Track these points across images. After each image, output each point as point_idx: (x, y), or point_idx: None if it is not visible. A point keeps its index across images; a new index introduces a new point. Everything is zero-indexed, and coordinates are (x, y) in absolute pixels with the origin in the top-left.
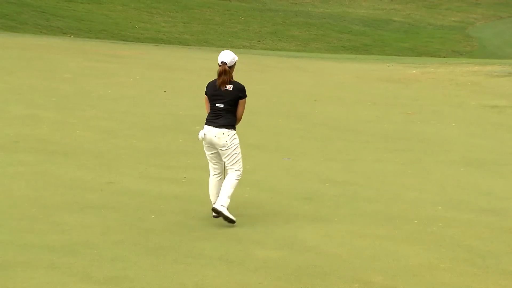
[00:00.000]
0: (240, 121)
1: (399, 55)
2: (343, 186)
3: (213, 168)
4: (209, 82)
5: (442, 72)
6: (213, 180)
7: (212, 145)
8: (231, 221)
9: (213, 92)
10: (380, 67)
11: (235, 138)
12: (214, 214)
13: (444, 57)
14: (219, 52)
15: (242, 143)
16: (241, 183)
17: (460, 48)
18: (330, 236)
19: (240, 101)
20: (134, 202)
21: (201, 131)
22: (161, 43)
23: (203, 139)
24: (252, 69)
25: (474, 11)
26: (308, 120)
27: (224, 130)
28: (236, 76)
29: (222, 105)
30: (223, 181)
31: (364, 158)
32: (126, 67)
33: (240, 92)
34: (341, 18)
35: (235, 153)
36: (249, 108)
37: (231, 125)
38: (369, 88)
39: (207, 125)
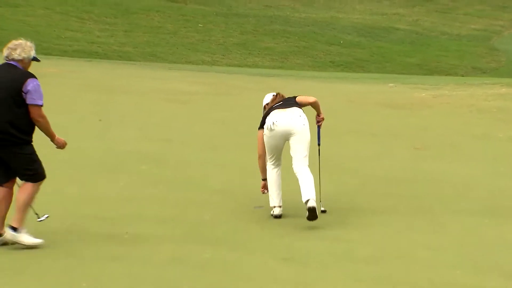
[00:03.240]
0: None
1: (404, 73)
2: (333, 242)
3: (275, 159)
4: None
5: (459, 95)
6: (275, 174)
7: (283, 135)
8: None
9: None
10: (380, 89)
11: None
12: (310, 214)
13: (462, 76)
14: (171, 69)
15: (201, 186)
16: (200, 240)
17: (482, 65)
18: None
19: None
20: (60, 266)
21: (269, 119)
22: (95, 58)
23: (272, 129)
24: (214, 91)
25: (500, 17)
26: (288, 156)
27: (297, 110)
28: (194, 100)
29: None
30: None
31: (360, 206)
32: (50, 89)
33: None
34: (329, 25)
35: (309, 139)
36: (210, 142)
37: (300, 106)
38: (366, 115)
39: (275, 109)
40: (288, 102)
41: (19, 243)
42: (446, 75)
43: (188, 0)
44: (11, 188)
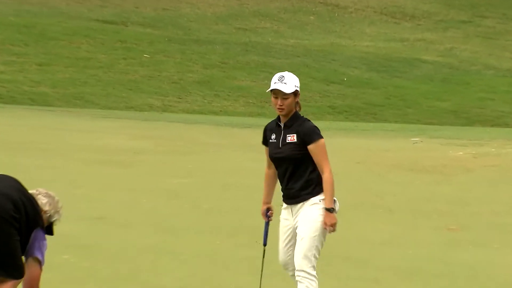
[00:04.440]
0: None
1: (433, 123)
2: None
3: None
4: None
5: (511, 155)
6: None
7: None
8: None
9: None
10: (399, 145)
11: None
12: None
13: None
14: (106, 117)
15: (149, 284)
16: None
17: None
18: None
19: None
20: None
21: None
22: None
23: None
24: (166, 149)
25: None
26: (271, 241)
27: None
28: (137, 162)
29: None
30: None
31: None
32: None
33: None
34: (328, 56)
35: None
36: (161, 221)
37: None
38: (380, 183)
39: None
40: None
41: None
42: (492, 125)
43: (129, 20)
44: None
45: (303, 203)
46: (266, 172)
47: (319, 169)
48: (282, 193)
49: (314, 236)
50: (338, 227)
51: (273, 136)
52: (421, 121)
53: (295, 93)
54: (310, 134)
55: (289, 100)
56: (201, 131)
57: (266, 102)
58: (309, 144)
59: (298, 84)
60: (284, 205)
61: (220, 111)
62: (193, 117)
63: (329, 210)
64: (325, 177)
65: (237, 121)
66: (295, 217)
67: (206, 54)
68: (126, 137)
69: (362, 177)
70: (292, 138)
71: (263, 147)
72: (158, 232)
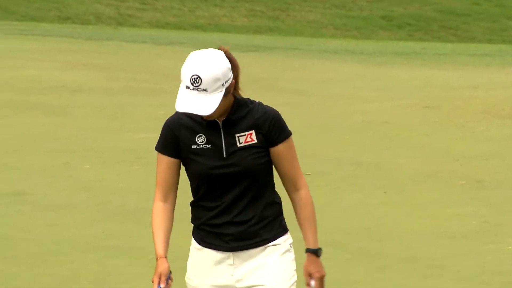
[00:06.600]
0: None
1: None
2: None
3: None
4: None
5: None
6: None
7: None
8: None
9: None
10: (496, 80)
11: None
12: None
13: None
14: (24, 32)
15: None
16: None
17: None
18: None
19: None
20: None
21: None
22: None
23: None
24: (123, 86)
25: None
26: None
27: None
28: (78, 105)
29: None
30: None
31: None
32: None
33: None
34: None
35: None
36: (115, 199)
37: None
38: (464, 139)
39: None
40: None
41: None
42: None
43: None
44: None
45: (263, 249)
46: (160, 207)
47: (287, 182)
48: (204, 230)
49: None
50: (395, 213)
51: (201, 140)
52: None
53: (227, 90)
54: (279, 127)
55: (219, 107)
56: (178, 57)
57: (282, 11)
58: (277, 143)
59: (228, 71)
60: (210, 251)
61: (209, 24)
62: (166, 34)
63: (316, 253)
64: (302, 195)
65: (235, 40)
66: (244, 275)
67: None
68: (57, 66)
69: (435, 131)
70: (248, 137)
71: (270, 78)
72: (110, 218)
